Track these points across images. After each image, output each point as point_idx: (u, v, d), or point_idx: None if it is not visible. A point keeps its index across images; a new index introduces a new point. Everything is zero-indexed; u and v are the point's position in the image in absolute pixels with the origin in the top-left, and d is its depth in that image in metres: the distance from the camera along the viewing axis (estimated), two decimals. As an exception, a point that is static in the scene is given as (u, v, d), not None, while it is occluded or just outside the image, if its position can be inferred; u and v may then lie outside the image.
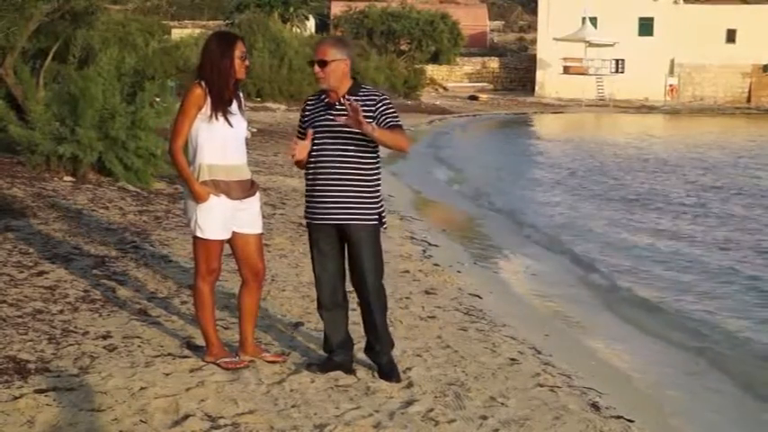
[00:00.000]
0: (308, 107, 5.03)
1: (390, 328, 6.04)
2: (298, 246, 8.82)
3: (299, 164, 5.03)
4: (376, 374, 5.16)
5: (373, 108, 4.85)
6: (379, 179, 5.02)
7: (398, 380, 5.08)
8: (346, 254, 5.05)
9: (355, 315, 5.27)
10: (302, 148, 4.90)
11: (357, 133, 4.80)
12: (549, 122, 41.69)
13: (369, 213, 4.93)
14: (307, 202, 5.03)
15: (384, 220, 5.06)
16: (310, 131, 4.91)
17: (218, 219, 4.88)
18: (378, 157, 5.00)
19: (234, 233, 4.98)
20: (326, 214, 4.92)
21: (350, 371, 5.13)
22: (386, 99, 4.94)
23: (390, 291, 6.68)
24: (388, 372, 5.10)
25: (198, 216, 4.87)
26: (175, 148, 4.84)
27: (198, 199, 4.83)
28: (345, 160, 4.86)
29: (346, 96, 4.84)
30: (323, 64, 4.81)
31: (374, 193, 4.96)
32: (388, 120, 4.87)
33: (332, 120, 4.84)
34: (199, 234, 4.91)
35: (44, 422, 4.19)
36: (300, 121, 5.07)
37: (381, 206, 5.03)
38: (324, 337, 5.20)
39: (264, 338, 5.69)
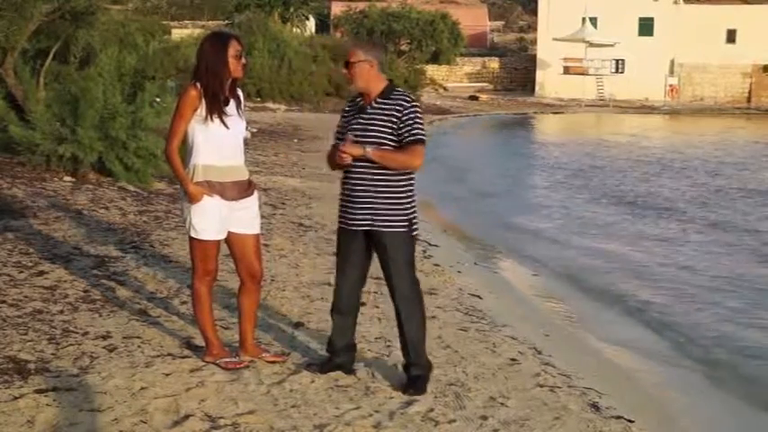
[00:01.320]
0: (345, 109, 5.01)
1: (394, 329, 6.04)
2: (298, 246, 8.82)
3: (335, 167, 4.94)
4: (376, 375, 5.16)
5: (399, 115, 4.77)
6: (410, 184, 4.90)
7: (419, 391, 4.94)
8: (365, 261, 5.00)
9: (359, 317, 5.25)
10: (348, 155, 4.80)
11: (387, 137, 4.75)
12: (550, 123, 41.69)
13: (398, 220, 4.84)
14: (340, 207, 4.99)
15: (415, 227, 4.93)
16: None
17: (213, 219, 4.87)
18: None
19: (231, 234, 4.98)
20: (357, 220, 4.87)
21: (350, 371, 5.12)
22: (414, 108, 4.80)
23: (390, 291, 6.68)
24: (409, 383, 4.97)
25: (192, 217, 4.87)
26: (170, 149, 4.85)
27: (191, 200, 4.83)
28: (376, 165, 4.77)
29: (350, 141, 4.76)
30: (348, 65, 4.82)
31: (405, 198, 4.86)
32: (407, 134, 4.77)
33: (364, 123, 4.81)
34: (193, 235, 4.91)
35: (44, 422, 4.19)
36: (339, 123, 5.02)
37: (412, 212, 4.91)
38: (329, 339, 5.19)
39: (264, 338, 5.69)
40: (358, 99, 4.93)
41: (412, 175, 4.92)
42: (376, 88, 4.84)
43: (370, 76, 4.82)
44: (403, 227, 4.87)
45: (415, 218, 4.94)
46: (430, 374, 5.07)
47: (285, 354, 5.40)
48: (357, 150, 4.75)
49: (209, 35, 5.06)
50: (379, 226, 4.83)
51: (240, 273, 5.13)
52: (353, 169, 4.83)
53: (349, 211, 4.90)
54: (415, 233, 4.96)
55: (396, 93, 4.86)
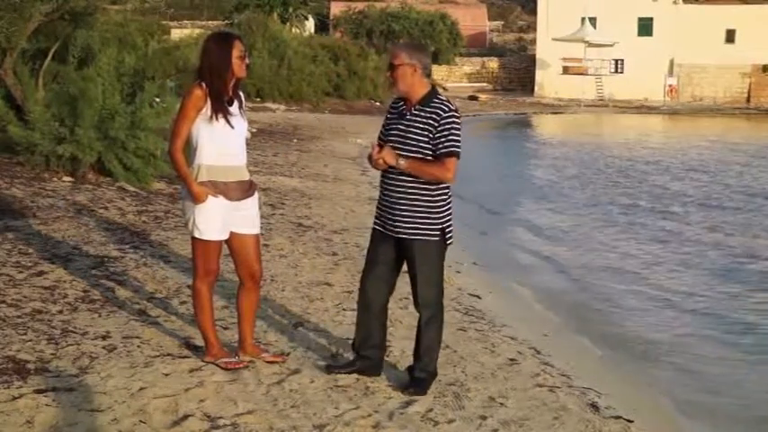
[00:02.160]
0: (389, 112, 4.98)
1: (390, 329, 6.04)
2: (297, 246, 8.82)
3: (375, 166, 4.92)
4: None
5: (435, 125, 4.71)
6: (446, 194, 4.85)
7: (420, 392, 4.94)
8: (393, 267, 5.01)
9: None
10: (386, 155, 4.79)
11: (425, 146, 4.71)
12: (549, 123, 41.71)
13: (429, 229, 4.81)
14: (377, 209, 5.01)
15: (448, 236, 4.88)
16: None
17: (216, 219, 4.87)
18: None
19: (231, 233, 4.98)
20: (390, 226, 4.88)
21: (375, 374, 5.09)
22: (450, 118, 4.72)
23: (390, 291, 6.69)
24: (411, 383, 4.97)
25: (196, 217, 4.86)
26: (174, 148, 4.84)
27: (196, 199, 4.82)
28: (412, 174, 4.76)
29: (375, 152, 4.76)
30: (391, 67, 4.79)
31: (438, 207, 4.82)
32: (440, 146, 4.69)
33: (403, 130, 4.78)
34: (197, 235, 4.91)
35: (43, 422, 4.19)
36: (382, 125, 5.01)
37: (446, 221, 4.86)
38: (354, 336, 5.17)
39: (264, 339, 5.69)
40: (401, 103, 4.89)
41: (448, 185, 4.86)
42: (417, 94, 4.78)
43: (412, 81, 4.76)
44: (435, 236, 4.84)
45: (449, 227, 4.88)
46: (433, 381, 5.07)
47: (284, 354, 5.40)
48: (391, 159, 4.73)
49: (214, 35, 5.04)
50: (411, 234, 4.82)
51: (239, 273, 5.13)
52: (392, 175, 4.82)
53: (386, 216, 4.89)
54: (448, 242, 4.92)
55: (436, 100, 4.78)
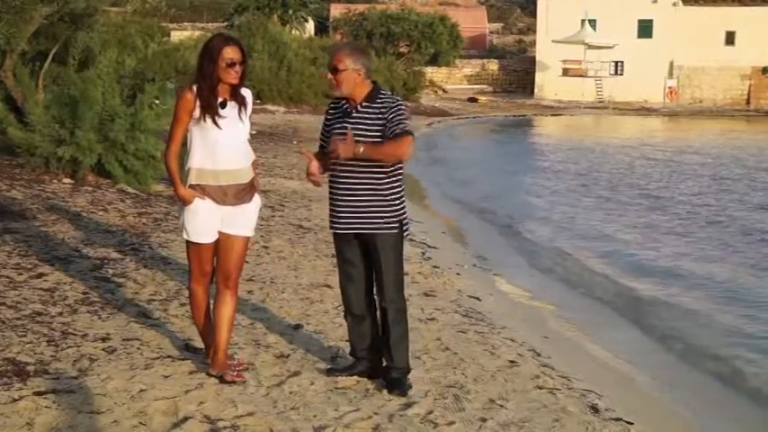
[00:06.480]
0: (329, 113, 5.01)
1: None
2: (297, 248, 8.83)
3: (314, 181, 4.96)
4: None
5: (386, 114, 4.79)
6: (398, 185, 4.90)
7: (403, 393, 4.92)
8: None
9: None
10: (314, 167, 4.87)
11: (375, 139, 4.75)
12: (549, 125, 41.73)
13: (388, 221, 4.85)
14: (329, 211, 5.01)
15: (406, 227, 4.95)
16: (310, 154, 4.91)
17: (203, 222, 4.82)
18: (398, 162, 4.87)
19: (219, 233, 4.89)
20: (347, 223, 4.89)
21: (375, 377, 5.08)
22: (399, 107, 4.83)
23: (390, 293, 6.68)
24: (391, 386, 4.94)
25: (184, 219, 4.86)
26: (167, 151, 4.84)
27: (182, 202, 4.83)
28: (361, 168, 4.78)
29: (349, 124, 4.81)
30: (335, 71, 4.81)
31: (393, 199, 4.87)
32: (393, 127, 4.77)
33: (350, 127, 4.80)
34: (185, 237, 4.91)
35: (43, 424, 4.18)
36: (323, 126, 5.04)
37: (402, 213, 4.92)
38: (350, 342, 5.18)
39: (264, 341, 5.69)
40: (342, 102, 4.92)
41: (399, 175, 4.91)
42: (361, 93, 4.84)
43: (356, 84, 4.82)
44: (394, 228, 4.88)
45: (405, 219, 4.94)
46: (407, 374, 5.04)
47: (249, 367, 5.19)
48: (350, 150, 4.71)
49: (209, 38, 5.02)
50: (368, 228, 4.84)
51: (216, 276, 4.99)
52: (339, 173, 4.85)
53: (336, 214, 4.93)
54: (406, 233, 4.97)
55: (381, 95, 4.87)
